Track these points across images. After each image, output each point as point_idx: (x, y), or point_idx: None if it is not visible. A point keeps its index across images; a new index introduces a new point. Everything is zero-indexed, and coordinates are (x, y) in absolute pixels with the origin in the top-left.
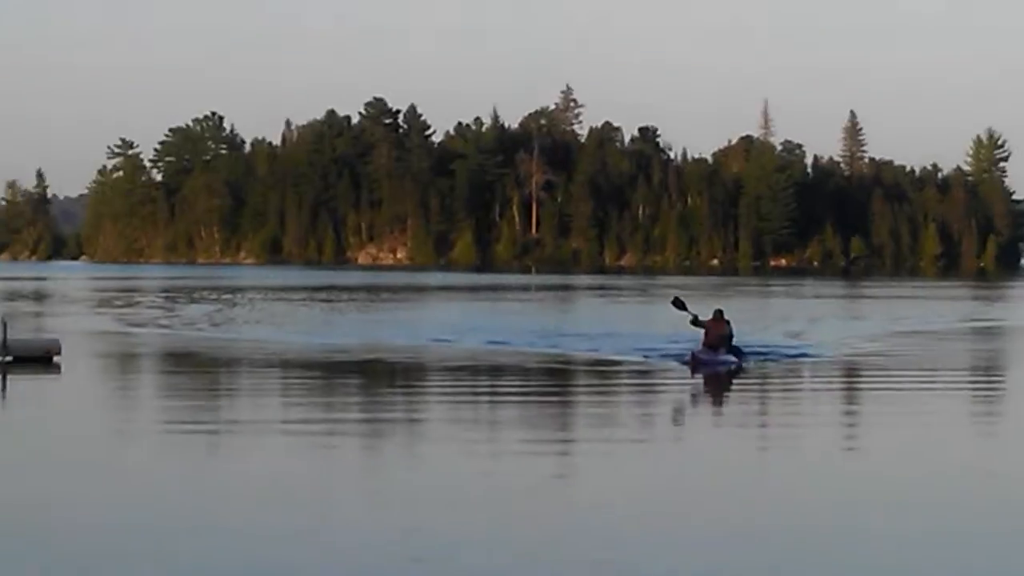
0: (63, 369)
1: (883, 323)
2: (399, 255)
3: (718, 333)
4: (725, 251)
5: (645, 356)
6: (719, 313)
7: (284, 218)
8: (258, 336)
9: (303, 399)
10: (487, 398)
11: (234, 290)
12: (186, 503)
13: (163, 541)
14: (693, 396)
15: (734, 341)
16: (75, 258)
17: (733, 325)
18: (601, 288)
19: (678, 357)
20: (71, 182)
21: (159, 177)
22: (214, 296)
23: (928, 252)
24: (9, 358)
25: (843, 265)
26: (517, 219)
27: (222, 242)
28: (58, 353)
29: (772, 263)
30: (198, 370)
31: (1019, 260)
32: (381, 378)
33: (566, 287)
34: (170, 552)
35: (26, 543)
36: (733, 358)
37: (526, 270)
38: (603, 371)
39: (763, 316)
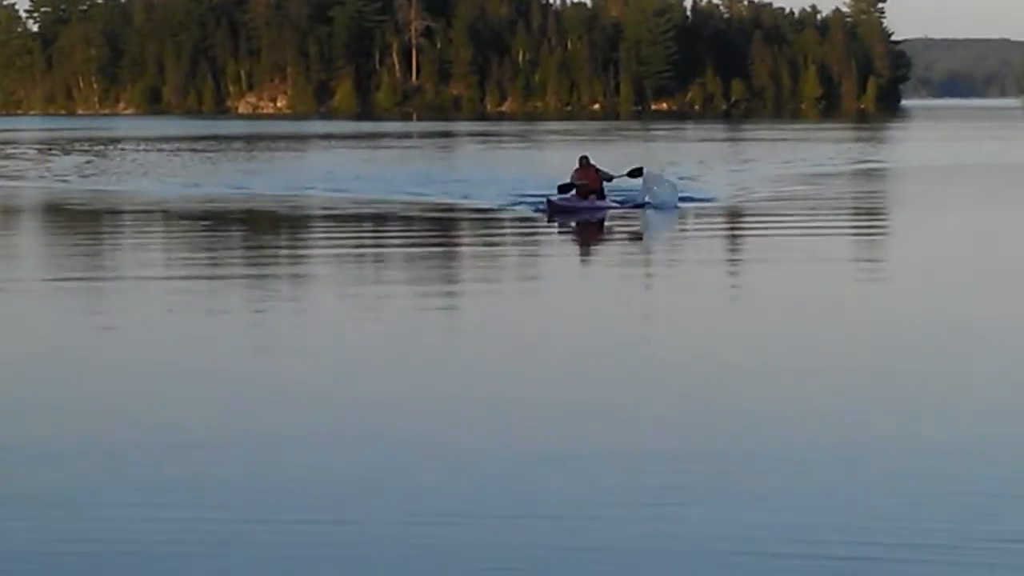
0: None
1: (772, 166)
2: (279, 104)
3: (583, 180)
4: (606, 96)
5: (513, 204)
6: (585, 159)
7: (163, 68)
8: (134, 187)
9: (179, 251)
10: (329, 249)
11: (112, 141)
12: (63, 358)
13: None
14: (548, 243)
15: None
16: None
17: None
18: (482, 135)
19: (536, 205)
20: None
21: (35, 28)
22: (91, 147)
23: (809, 94)
24: None
25: (724, 108)
26: (397, 66)
27: (101, 93)
28: None
29: (653, 107)
30: (75, 223)
31: (899, 101)
32: (250, 228)
33: (447, 134)
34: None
35: None
36: (604, 204)
37: (407, 117)
38: (455, 219)
39: (648, 161)
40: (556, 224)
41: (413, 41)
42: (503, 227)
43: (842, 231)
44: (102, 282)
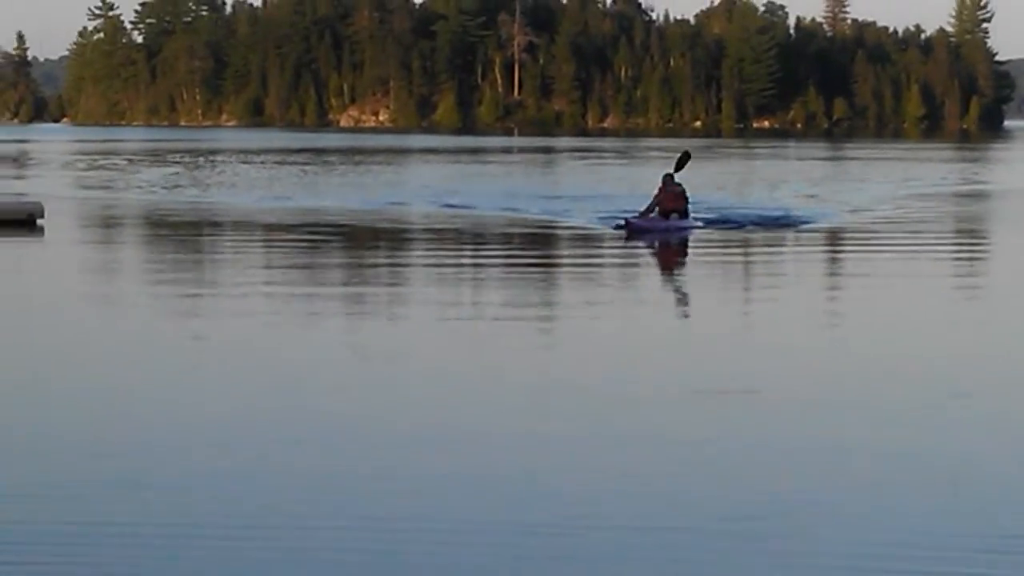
0: (46, 232)
1: (892, 186)
2: (381, 117)
3: (668, 198)
4: (708, 113)
5: (600, 222)
6: (669, 177)
7: (266, 80)
8: (218, 199)
9: (283, 265)
10: (404, 265)
11: (208, 152)
12: (174, 367)
13: (143, 408)
14: (635, 264)
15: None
16: (56, 120)
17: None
18: (584, 151)
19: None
20: (52, 44)
21: (140, 39)
22: (182, 159)
23: (911, 114)
24: None
25: (826, 127)
26: (499, 81)
27: (204, 104)
28: (41, 216)
29: (755, 125)
30: (177, 234)
31: (1002, 122)
32: (332, 242)
33: (548, 149)
34: (149, 423)
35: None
36: (687, 223)
37: (508, 132)
38: (540, 236)
39: (761, 180)
40: (632, 244)
41: (516, 56)
42: (576, 247)
43: (980, 251)
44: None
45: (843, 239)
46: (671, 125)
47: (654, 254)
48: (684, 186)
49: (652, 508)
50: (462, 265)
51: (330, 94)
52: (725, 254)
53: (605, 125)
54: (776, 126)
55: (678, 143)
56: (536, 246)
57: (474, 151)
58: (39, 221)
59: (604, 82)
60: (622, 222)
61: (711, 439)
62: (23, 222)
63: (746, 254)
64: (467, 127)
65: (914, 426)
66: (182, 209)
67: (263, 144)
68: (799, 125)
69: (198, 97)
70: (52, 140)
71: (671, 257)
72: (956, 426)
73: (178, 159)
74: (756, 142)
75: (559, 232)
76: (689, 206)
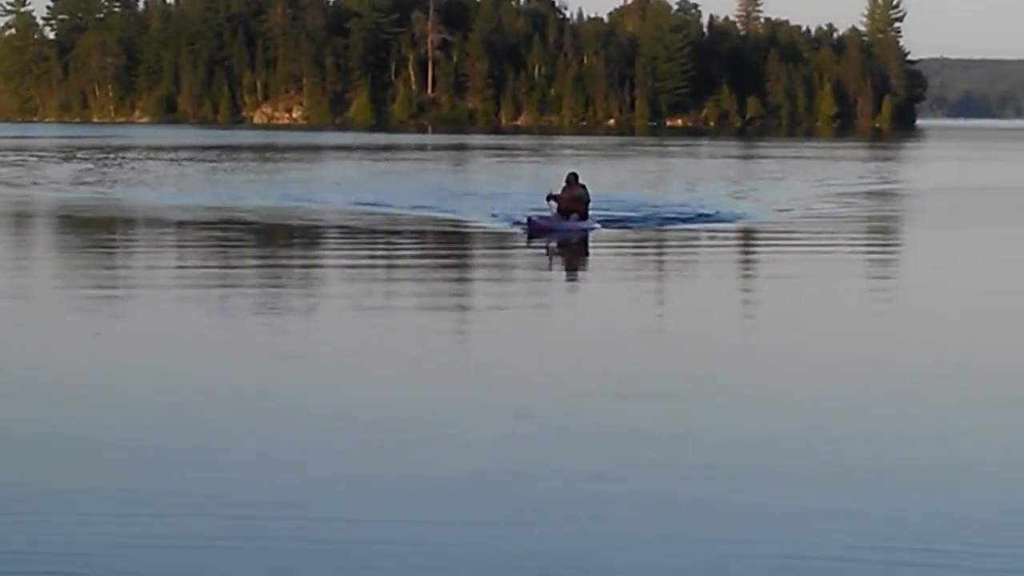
0: None
1: (809, 185)
2: (295, 114)
3: (569, 197)
4: (621, 111)
5: (495, 217)
6: (573, 177)
7: (179, 77)
8: (124, 196)
9: (192, 264)
10: (306, 261)
11: (118, 149)
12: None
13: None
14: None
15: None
16: None
17: (591, 189)
18: (497, 148)
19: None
20: None
21: (52, 35)
22: (92, 155)
23: (824, 113)
24: None
25: (739, 125)
26: (413, 78)
27: (116, 101)
28: None
29: (668, 123)
30: (82, 231)
31: (914, 120)
32: (229, 238)
33: (461, 147)
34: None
35: None
36: (587, 224)
37: (422, 130)
38: (447, 234)
39: (675, 179)
40: (534, 243)
41: (429, 54)
42: (475, 245)
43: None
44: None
45: (758, 237)
46: (585, 123)
47: (556, 253)
48: (586, 187)
49: (595, 502)
50: (365, 263)
51: (243, 91)
52: (628, 253)
53: (519, 123)
54: (689, 124)
55: (592, 141)
56: (442, 244)
57: (387, 148)
58: None
59: (518, 80)
60: (524, 220)
61: (625, 431)
62: None
63: (651, 253)
64: (381, 124)
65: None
66: (89, 206)
67: (176, 141)
68: (712, 124)
69: (111, 94)
70: None
71: (573, 256)
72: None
73: (88, 156)
74: (670, 140)
75: (465, 230)
76: (590, 207)
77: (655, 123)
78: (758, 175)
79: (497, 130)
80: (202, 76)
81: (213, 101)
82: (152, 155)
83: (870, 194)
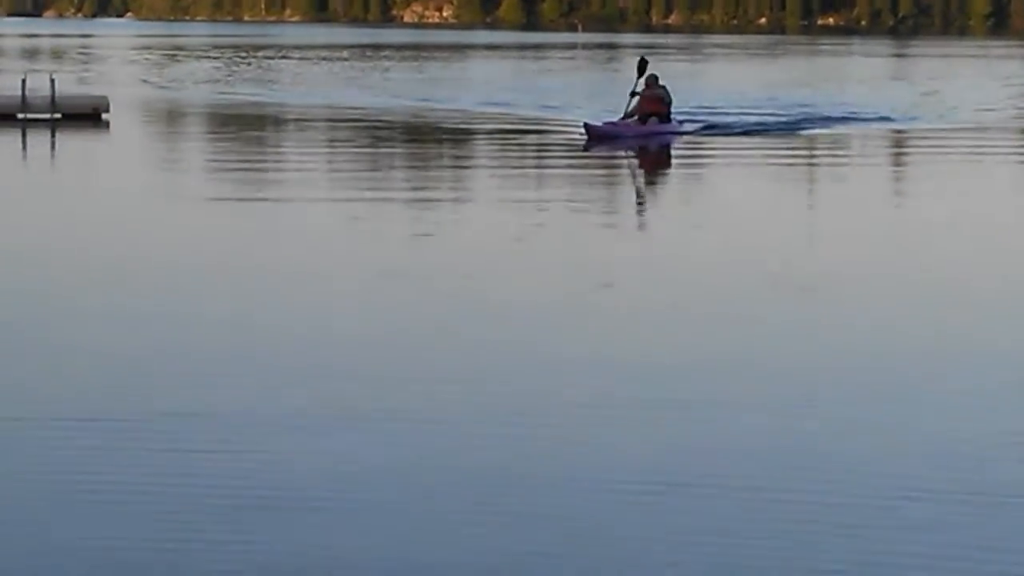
0: (112, 126)
1: (994, 86)
2: (445, 13)
3: (650, 96)
4: (772, 10)
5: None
6: (653, 78)
7: None
8: (247, 95)
9: (347, 168)
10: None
11: (278, 47)
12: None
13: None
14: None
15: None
16: (120, 15)
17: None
18: (647, 47)
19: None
20: None
21: None
22: (257, 55)
23: (977, 11)
24: (58, 115)
25: (891, 24)
26: None
27: (267, 0)
28: (107, 110)
29: (819, 22)
30: (241, 131)
31: None
32: (334, 137)
33: (611, 45)
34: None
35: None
36: (667, 127)
37: (572, 28)
38: (503, 135)
39: (846, 77)
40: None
41: None
42: (528, 150)
43: None
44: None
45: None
46: (736, 22)
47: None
48: (667, 87)
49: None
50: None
51: None
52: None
53: (669, 21)
54: (841, 23)
55: (742, 40)
56: (499, 148)
57: (537, 47)
58: (104, 115)
59: None
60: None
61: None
62: (88, 116)
63: (745, 164)
64: (531, 23)
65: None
66: (246, 105)
67: (312, 40)
68: (863, 22)
69: None
70: (115, 35)
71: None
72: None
73: (243, 55)
74: (822, 39)
75: (530, 134)
76: (672, 109)
77: (806, 22)
78: (945, 75)
79: (648, 28)
80: None
81: (364, 0)
82: (305, 55)
83: None
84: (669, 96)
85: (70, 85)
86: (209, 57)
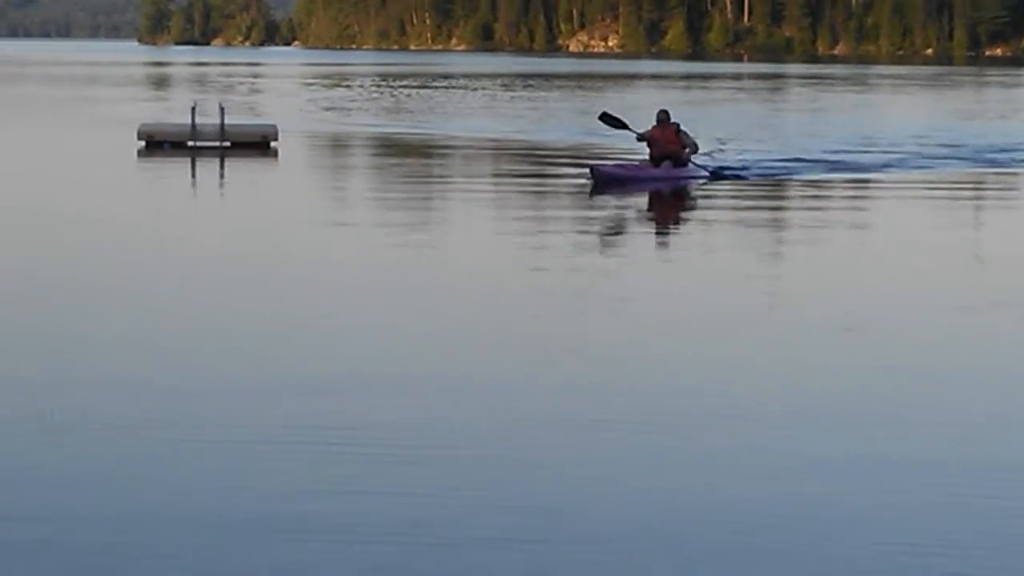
0: (280, 155)
1: None
2: (610, 43)
3: (659, 142)
4: (939, 41)
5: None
6: (664, 114)
7: (495, 5)
8: (468, 129)
9: (511, 204)
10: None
11: (446, 77)
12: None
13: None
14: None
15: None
16: (287, 44)
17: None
18: (812, 77)
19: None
20: None
21: None
22: (425, 83)
23: None
24: (227, 143)
25: None
26: (729, 7)
27: (433, 28)
28: (275, 139)
29: (987, 53)
30: (409, 162)
31: None
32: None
33: (776, 75)
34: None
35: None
36: (684, 172)
37: (738, 58)
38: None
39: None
40: (597, 198)
41: None
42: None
43: None
44: None
45: None
46: (902, 52)
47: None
48: (680, 125)
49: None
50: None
51: (559, 19)
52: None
53: (835, 52)
54: (1009, 54)
55: (908, 71)
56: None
57: (703, 77)
58: (273, 144)
59: (835, 8)
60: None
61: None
62: (257, 144)
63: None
64: (696, 53)
65: None
66: (414, 137)
67: (494, 69)
68: None
69: (428, 21)
70: (284, 63)
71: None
72: None
73: (409, 84)
74: (989, 71)
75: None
76: (689, 151)
77: (973, 53)
78: None
79: (814, 59)
80: (519, 4)
81: (529, 29)
82: (471, 84)
83: None
84: (690, 139)
85: (239, 114)
86: (376, 86)
